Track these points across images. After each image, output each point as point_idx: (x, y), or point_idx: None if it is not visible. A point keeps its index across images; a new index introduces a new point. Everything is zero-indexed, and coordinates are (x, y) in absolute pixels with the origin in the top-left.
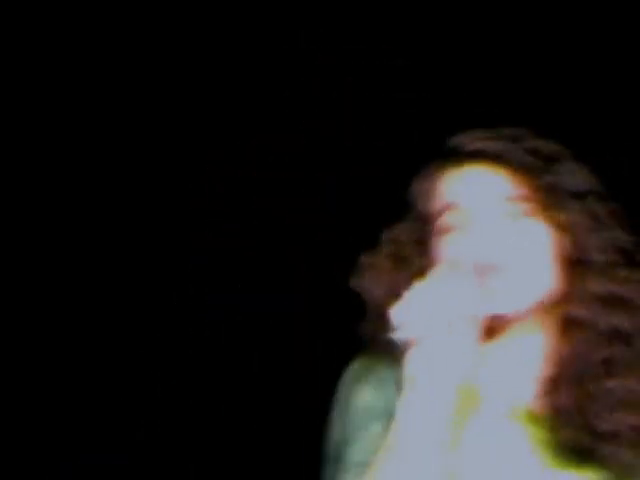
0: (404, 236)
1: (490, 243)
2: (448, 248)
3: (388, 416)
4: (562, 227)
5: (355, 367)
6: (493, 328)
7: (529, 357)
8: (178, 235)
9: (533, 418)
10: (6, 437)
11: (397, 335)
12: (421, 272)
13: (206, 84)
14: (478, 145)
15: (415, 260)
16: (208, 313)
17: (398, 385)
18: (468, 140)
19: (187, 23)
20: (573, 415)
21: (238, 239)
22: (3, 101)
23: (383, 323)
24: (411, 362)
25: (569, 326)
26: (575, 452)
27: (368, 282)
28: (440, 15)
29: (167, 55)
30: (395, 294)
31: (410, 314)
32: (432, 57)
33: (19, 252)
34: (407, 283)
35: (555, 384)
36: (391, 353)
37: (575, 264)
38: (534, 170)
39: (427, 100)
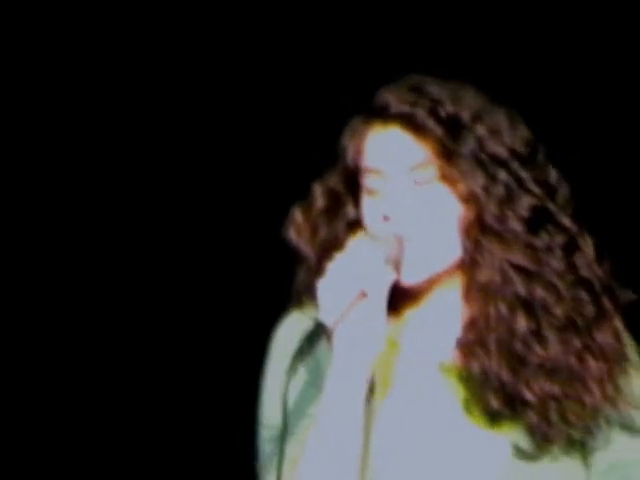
0: (336, 187)
1: (400, 211)
2: (367, 212)
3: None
4: (470, 196)
5: (289, 330)
6: (405, 296)
7: (446, 317)
8: None
9: (458, 375)
10: (6, 437)
11: (323, 318)
12: (354, 223)
13: None
14: (401, 109)
15: (349, 211)
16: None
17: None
18: (393, 101)
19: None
20: (500, 382)
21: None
22: (3, 101)
23: (316, 276)
24: (334, 337)
25: (480, 292)
26: (498, 414)
27: (303, 234)
28: None
29: (166, 55)
30: (330, 246)
31: (333, 295)
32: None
33: (19, 252)
34: (342, 234)
35: (480, 348)
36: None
37: (483, 232)
38: (449, 138)
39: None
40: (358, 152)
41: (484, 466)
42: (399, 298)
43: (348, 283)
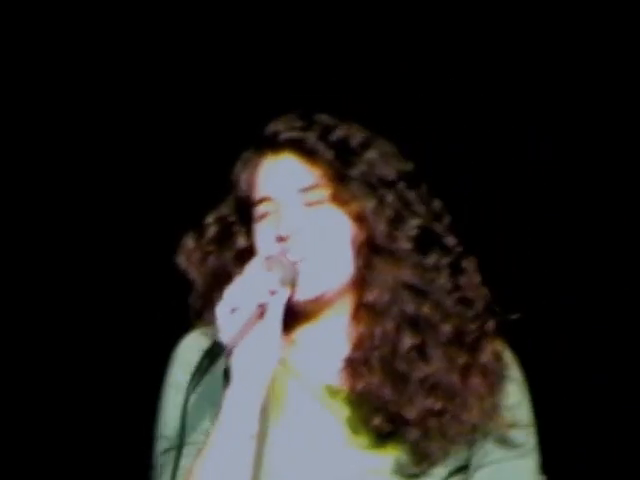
0: (228, 217)
1: (293, 231)
2: (259, 237)
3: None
4: (361, 216)
5: (190, 346)
6: (296, 317)
7: (335, 339)
8: None
9: (344, 397)
10: (6, 437)
11: (222, 338)
12: (244, 252)
13: None
14: (292, 135)
15: (239, 240)
16: None
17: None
18: (283, 129)
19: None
20: (383, 400)
21: None
22: (3, 101)
23: (208, 302)
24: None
25: (368, 312)
26: (381, 434)
27: (192, 261)
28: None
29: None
30: (218, 274)
31: (230, 316)
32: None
33: (19, 252)
34: (230, 263)
35: (364, 367)
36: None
37: (374, 252)
38: (340, 161)
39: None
40: (250, 184)
41: None
42: (290, 319)
43: (244, 304)
